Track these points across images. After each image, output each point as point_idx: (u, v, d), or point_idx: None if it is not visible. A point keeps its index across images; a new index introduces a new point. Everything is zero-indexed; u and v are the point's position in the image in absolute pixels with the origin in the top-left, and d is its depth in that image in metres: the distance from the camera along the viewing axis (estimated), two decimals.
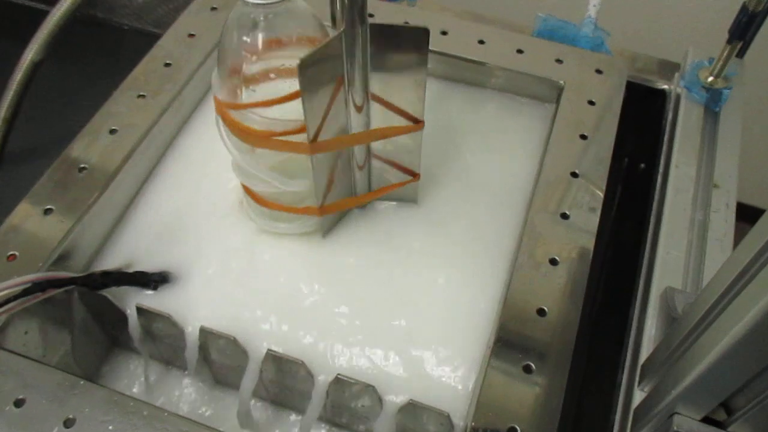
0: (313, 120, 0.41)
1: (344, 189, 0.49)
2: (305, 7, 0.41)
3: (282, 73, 0.42)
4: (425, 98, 0.44)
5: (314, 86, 0.39)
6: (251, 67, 0.42)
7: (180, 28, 0.60)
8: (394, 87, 0.43)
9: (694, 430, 0.32)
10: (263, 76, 0.42)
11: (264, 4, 0.38)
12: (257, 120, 0.42)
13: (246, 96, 0.42)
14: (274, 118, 0.42)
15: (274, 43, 0.41)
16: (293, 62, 0.37)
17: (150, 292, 0.47)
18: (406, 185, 0.50)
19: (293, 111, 0.41)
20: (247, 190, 0.49)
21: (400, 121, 0.45)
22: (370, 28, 0.40)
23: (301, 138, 0.42)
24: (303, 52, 0.37)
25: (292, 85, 0.41)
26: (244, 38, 0.40)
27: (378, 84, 0.43)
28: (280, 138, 0.42)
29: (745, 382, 0.29)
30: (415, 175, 0.50)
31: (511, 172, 0.54)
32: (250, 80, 0.42)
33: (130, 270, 0.48)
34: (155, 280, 0.47)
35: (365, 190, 0.50)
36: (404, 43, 0.41)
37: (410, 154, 0.48)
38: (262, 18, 0.40)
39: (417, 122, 0.45)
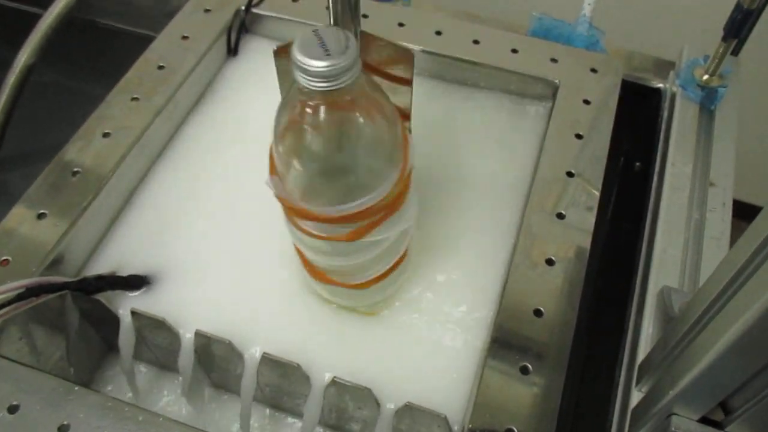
0: None
1: None
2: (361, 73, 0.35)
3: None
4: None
5: None
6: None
7: (173, 31, 0.60)
8: None
9: (692, 431, 0.32)
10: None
11: (327, 90, 0.32)
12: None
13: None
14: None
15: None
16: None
17: (144, 295, 0.47)
18: None
19: None
20: (361, 284, 0.44)
21: None
22: None
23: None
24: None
25: None
26: (308, 111, 0.34)
27: None
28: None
29: (742, 382, 0.29)
30: None
31: (506, 172, 0.54)
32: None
33: (124, 274, 0.47)
34: (148, 284, 0.47)
35: None
36: None
37: None
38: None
39: None
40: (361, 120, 0.36)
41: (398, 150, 0.38)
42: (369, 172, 0.37)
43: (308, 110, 0.34)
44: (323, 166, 0.37)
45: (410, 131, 0.42)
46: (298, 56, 0.32)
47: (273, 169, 0.38)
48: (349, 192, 0.37)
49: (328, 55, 0.31)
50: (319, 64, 0.31)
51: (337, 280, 0.44)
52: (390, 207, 0.38)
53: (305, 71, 0.32)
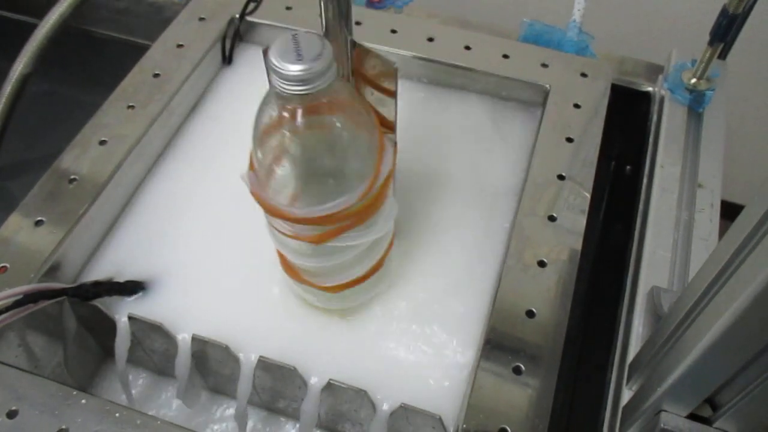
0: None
1: None
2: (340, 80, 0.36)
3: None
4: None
5: None
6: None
7: (168, 39, 0.61)
8: None
9: (681, 427, 0.32)
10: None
11: (304, 94, 0.33)
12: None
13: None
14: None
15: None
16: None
17: (141, 301, 0.47)
18: None
19: None
20: (348, 284, 0.44)
21: None
22: None
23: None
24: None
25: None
26: (285, 115, 0.35)
27: None
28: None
29: (728, 377, 0.30)
30: None
31: (498, 176, 0.55)
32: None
33: (121, 279, 0.48)
34: (145, 289, 0.48)
35: None
36: None
37: None
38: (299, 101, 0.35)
39: None
40: (337, 125, 0.36)
41: (371, 160, 0.38)
42: (340, 178, 0.38)
43: (283, 113, 0.35)
44: (296, 169, 0.38)
45: (396, 143, 0.43)
46: (272, 60, 0.32)
47: (252, 165, 0.39)
48: (321, 195, 0.37)
49: (300, 59, 0.32)
50: (290, 68, 0.32)
51: (309, 280, 0.44)
52: (358, 216, 0.39)
53: (278, 74, 0.32)
